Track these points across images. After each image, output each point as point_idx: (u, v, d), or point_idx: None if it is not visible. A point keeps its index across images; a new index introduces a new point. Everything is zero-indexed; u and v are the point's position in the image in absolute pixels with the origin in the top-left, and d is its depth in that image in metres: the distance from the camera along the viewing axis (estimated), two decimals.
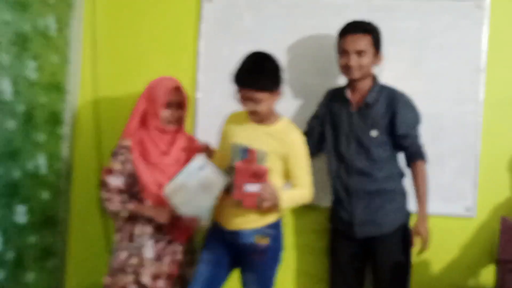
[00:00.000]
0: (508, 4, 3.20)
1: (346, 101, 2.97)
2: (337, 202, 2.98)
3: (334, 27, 3.25)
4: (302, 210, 3.25)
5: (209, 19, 3.40)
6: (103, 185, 2.81)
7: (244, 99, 2.67)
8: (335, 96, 3.05)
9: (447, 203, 3.13)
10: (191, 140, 3.00)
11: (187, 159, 2.85)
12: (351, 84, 2.96)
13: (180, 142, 2.89)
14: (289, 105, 3.33)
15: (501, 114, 3.20)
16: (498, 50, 3.19)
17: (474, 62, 3.15)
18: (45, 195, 3.30)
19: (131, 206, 2.77)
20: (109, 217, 2.83)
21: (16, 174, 3.03)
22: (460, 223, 3.19)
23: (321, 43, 3.31)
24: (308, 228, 3.34)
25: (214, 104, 3.38)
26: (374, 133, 2.89)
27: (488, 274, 3.16)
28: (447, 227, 3.17)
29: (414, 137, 2.90)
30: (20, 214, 3.08)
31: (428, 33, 3.21)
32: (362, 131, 2.91)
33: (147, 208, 2.78)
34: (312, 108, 3.23)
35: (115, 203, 2.77)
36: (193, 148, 2.93)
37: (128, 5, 3.48)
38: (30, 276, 3.20)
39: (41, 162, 3.24)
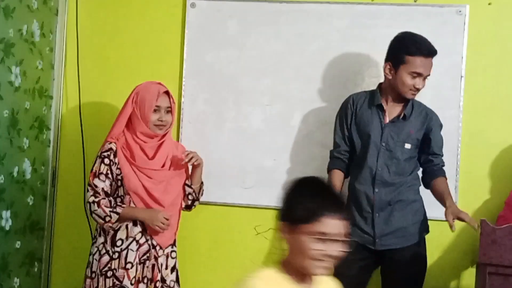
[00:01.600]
0: (486, 10, 3.25)
1: (377, 111, 2.93)
2: (358, 213, 2.93)
3: (318, 34, 3.33)
4: None
5: (193, 25, 3.42)
6: (89, 188, 2.81)
7: None
8: (363, 104, 2.98)
9: (429, 207, 3.16)
10: (176, 145, 3.03)
11: (172, 165, 2.88)
12: (395, 97, 2.91)
13: (166, 147, 2.90)
14: (272, 112, 3.36)
15: (480, 119, 3.25)
16: (477, 56, 3.24)
17: (455, 68, 3.19)
18: (29, 200, 3.30)
19: (120, 209, 2.77)
20: (95, 220, 2.81)
21: (1, 179, 3.03)
22: (441, 226, 3.22)
23: (305, 50, 3.34)
24: None
25: (198, 110, 3.41)
26: (408, 145, 2.90)
27: (469, 277, 3.20)
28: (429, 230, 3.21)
29: (442, 156, 2.98)
30: (5, 219, 3.08)
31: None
32: (395, 143, 2.90)
33: (139, 210, 2.79)
34: (295, 115, 3.29)
35: (103, 207, 2.76)
36: (179, 153, 2.95)
37: (112, 10, 3.50)
38: (15, 282, 3.20)
39: (25, 167, 3.24)
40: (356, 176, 2.96)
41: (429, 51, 2.81)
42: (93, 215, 2.80)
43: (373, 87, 3.19)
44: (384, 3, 3.30)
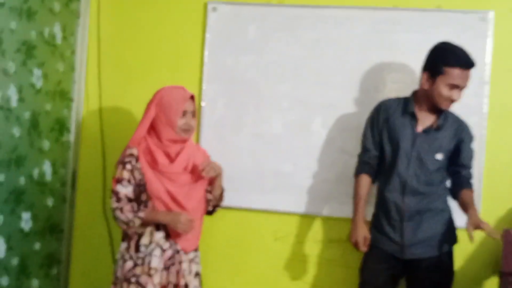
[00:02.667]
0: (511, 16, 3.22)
1: (410, 118, 2.91)
2: (386, 221, 2.92)
3: (338, 39, 3.30)
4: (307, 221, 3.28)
5: (213, 29, 3.42)
6: (112, 194, 2.79)
7: None
8: (396, 111, 2.95)
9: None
10: (198, 148, 3.02)
11: (195, 168, 2.87)
12: (429, 107, 2.88)
13: (187, 151, 2.89)
14: (292, 117, 3.35)
15: (504, 126, 3.21)
16: (502, 62, 3.20)
17: (478, 74, 3.15)
18: (49, 202, 3.32)
19: (143, 214, 2.76)
20: (119, 226, 2.80)
21: (21, 181, 3.05)
22: (464, 235, 3.18)
23: (324, 55, 3.32)
24: (313, 238, 3.35)
25: (218, 114, 3.41)
26: (439, 156, 2.88)
27: (492, 286, 3.16)
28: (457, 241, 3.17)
29: (470, 168, 2.95)
30: (25, 221, 3.10)
31: (432, 45, 3.22)
32: (427, 153, 2.88)
33: (162, 214, 2.78)
34: (314, 120, 3.29)
35: (126, 212, 2.75)
36: (201, 157, 2.95)
37: (133, 13, 3.51)
38: (34, 283, 3.22)
39: (46, 169, 3.27)
40: (385, 183, 2.94)
41: (467, 63, 2.78)
42: (117, 221, 2.79)
43: (395, 92, 3.17)
44: (405, 8, 3.27)
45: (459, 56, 2.79)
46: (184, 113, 2.84)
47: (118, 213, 2.76)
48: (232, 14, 3.41)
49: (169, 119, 2.82)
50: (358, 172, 3.03)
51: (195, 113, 2.91)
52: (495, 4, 3.22)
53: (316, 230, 3.35)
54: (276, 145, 3.37)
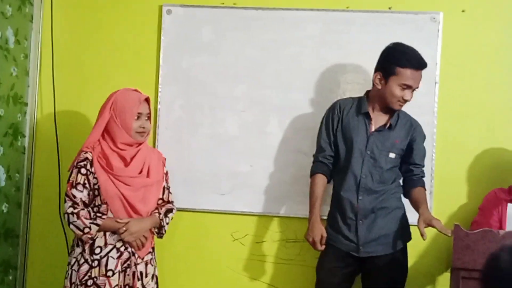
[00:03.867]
0: (460, 18, 3.29)
1: (363, 118, 2.96)
2: (342, 220, 2.96)
3: (292, 40, 3.34)
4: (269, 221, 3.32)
5: (169, 31, 3.42)
6: (67, 198, 2.76)
7: None
8: (350, 111, 2.99)
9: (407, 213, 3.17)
10: (153, 151, 3.02)
11: (150, 171, 2.86)
12: (382, 106, 2.93)
13: (143, 154, 2.88)
14: (248, 118, 3.37)
15: (454, 124, 3.29)
16: (451, 62, 3.28)
17: (429, 74, 3.21)
18: (4, 208, 3.27)
19: (100, 221, 2.73)
20: (73, 231, 2.76)
21: None
22: (417, 232, 3.24)
23: (279, 56, 3.35)
24: (270, 238, 3.38)
25: (175, 116, 3.41)
26: (392, 155, 2.94)
27: (444, 281, 3.22)
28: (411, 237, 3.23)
29: (423, 166, 3.01)
30: None
31: (385, 46, 3.27)
32: (380, 152, 2.93)
33: (117, 223, 2.76)
34: (270, 121, 3.32)
35: (83, 218, 2.71)
36: (156, 160, 2.95)
37: (87, 17, 3.49)
38: None
39: (0, 175, 3.22)
40: (340, 183, 2.98)
41: (419, 64, 2.84)
42: (71, 226, 2.73)
43: (349, 93, 3.22)
44: (358, 10, 3.32)
45: (411, 57, 2.84)
46: (139, 116, 2.84)
47: (73, 218, 2.72)
48: (187, 16, 3.41)
49: (124, 122, 2.81)
50: (313, 172, 3.06)
51: (150, 116, 2.91)
52: (444, 6, 3.29)
53: (273, 230, 3.37)
54: (232, 146, 3.38)
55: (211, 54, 3.39)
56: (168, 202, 2.99)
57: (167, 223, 2.94)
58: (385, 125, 2.95)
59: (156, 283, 2.92)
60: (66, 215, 2.75)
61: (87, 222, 2.71)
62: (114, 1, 3.47)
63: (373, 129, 2.95)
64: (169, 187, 3.02)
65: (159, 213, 2.91)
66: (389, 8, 3.31)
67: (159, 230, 2.93)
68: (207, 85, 3.40)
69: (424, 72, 3.09)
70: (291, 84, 3.35)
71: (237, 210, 3.38)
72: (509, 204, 2.65)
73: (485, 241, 2.53)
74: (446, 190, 3.26)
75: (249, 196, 3.36)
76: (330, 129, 3.02)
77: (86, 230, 2.72)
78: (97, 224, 2.72)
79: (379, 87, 2.90)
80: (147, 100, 2.89)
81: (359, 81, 3.28)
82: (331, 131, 3.02)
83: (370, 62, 3.17)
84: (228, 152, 3.39)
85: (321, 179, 3.03)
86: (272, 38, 3.36)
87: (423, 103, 3.24)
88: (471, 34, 3.29)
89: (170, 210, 2.97)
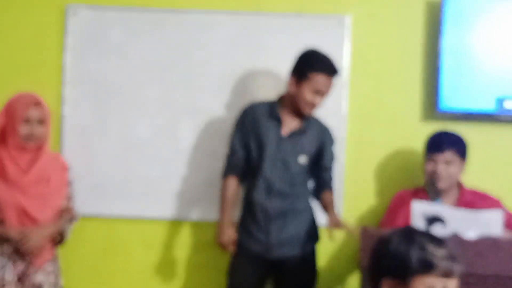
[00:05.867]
0: (368, 21, 3.34)
1: (275, 122, 2.97)
2: (253, 222, 2.97)
3: (203, 43, 3.31)
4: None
5: (74, 33, 3.31)
6: None
7: None
8: (262, 114, 3.00)
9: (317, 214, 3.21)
10: (55, 158, 2.91)
11: (50, 178, 2.77)
12: (294, 110, 2.95)
13: (43, 161, 2.79)
14: (159, 122, 3.32)
15: (363, 127, 3.34)
16: (360, 65, 3.33)
17: (339, 77, 3.26)
18: None
19: None
20: None
21: None
22: (326, 233, 3.29)
23: (191, 59, 3.32)
24: (182, 243, 3.34)
25: (82, 120, 3.31)
26: (302, 159, 2.96)
27: (355, 281, 3.28)
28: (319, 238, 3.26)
29: (332, 170, 3.06)
30: None
31: (295, 49, 3.28)
32: (291, 156, 2.95)
33: (10, 231, 2.66)
34: (182, 125, 3.29)
35: None
36: (58, 167, 2.85)
37: None
38: None
39: None
40: (251, 185, 2.99)
41: (332, 70, 2.90)
42: None
43: (262, 96, 3.21)
44: (268, 12, 3.32)
45: (325, 63, 2.90)
46: (27, 120, 2.74)
47: None
48: (94, 17, 3.32)
49: (13, 127, 2.73)
50: (225, 174, 3.06)
51: (44, 121, 2.80)
52: (352, 9, 3.34)
53: (185, 235, 3.34)
54: (143, 150, 3.32)
55: (120, 56, 3.31)
56: (71, 210, 2.90)
57: (68, 231, 2.86)
58: (296, 129, 2.97)
59: None
60: None
61: None
62: (13, 1, 3.33)
63: (284, 133, 2.97)
64: (73, 195, 2.94)
65: (60, 221, 2.81)
66: (298, 11, 3.33)
67: (60, 238, 2.84)
68: (117, 88, 3.32)
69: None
70: (203, 87, 3.32)
71: (148, 216, 3.32)
72: (412, 202, 2.72)
73: None
74: (356, 192, 3.32)
75: (160, 201, 3.31)
76: (242, 132, 3.02)
77: None
78: None
79: (293, 91, 2.92)
80: (38, 103, 2.79)
81: (270, 84, 3.28)
82: (243, 134, 3.02)
83: (281, 65, 3.21)
84: (139, 157, 3.32)
85: (232, 181, 3.03)
86: (183, 41, 3.32)
87: (332, 107, 3.26)
88: (379, 37, 3.36)
89: (72, 218, 2.89)
